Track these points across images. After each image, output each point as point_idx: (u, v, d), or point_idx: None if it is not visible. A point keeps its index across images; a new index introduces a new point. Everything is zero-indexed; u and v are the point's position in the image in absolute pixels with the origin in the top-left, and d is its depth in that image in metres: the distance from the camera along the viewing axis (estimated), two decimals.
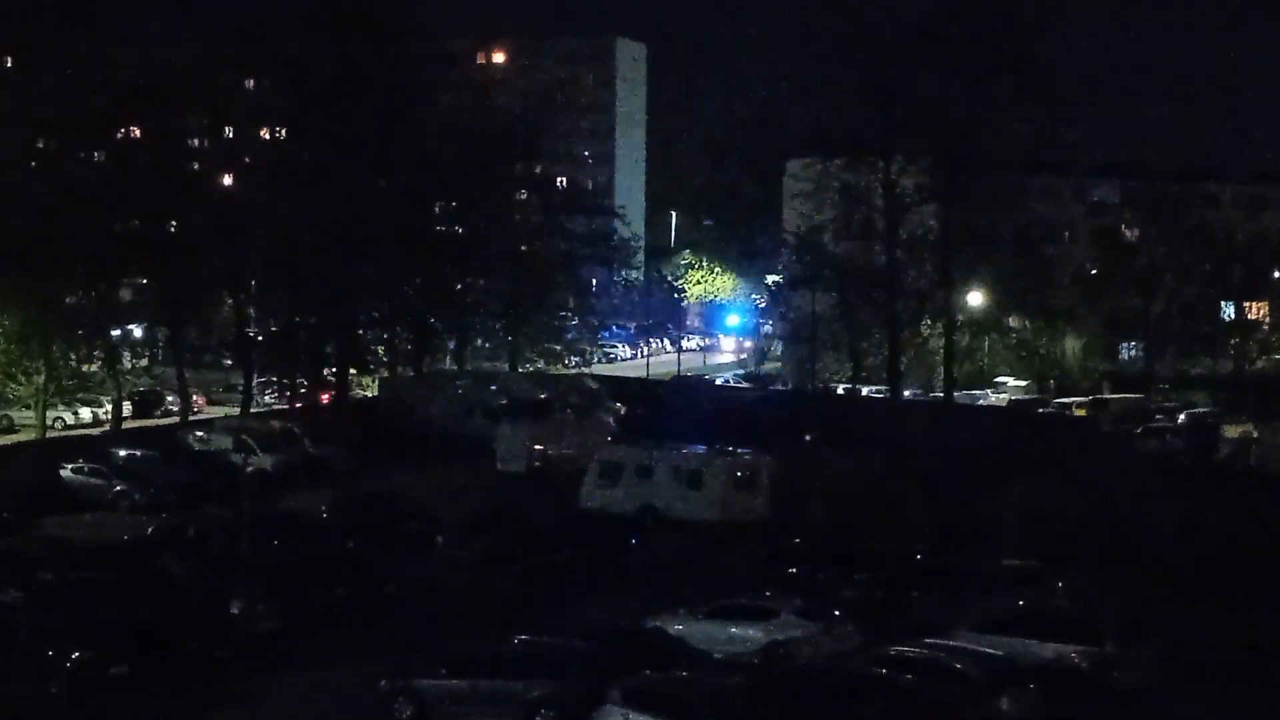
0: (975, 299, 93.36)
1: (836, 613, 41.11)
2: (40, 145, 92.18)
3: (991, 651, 35.83)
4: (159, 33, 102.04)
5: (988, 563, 47.30)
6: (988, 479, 60.06)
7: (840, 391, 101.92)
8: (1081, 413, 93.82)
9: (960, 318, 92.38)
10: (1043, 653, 36.87)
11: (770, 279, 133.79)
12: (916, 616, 42.13)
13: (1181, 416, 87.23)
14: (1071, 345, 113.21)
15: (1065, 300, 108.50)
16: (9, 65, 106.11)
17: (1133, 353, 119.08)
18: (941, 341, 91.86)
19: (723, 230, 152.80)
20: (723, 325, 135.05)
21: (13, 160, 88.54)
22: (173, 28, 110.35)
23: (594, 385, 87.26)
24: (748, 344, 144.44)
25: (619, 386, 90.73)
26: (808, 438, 71.31)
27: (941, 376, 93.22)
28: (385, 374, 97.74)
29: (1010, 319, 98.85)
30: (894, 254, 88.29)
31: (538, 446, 68.57)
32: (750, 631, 39.80)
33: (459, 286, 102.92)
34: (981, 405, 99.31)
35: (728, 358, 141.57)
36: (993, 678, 34.11)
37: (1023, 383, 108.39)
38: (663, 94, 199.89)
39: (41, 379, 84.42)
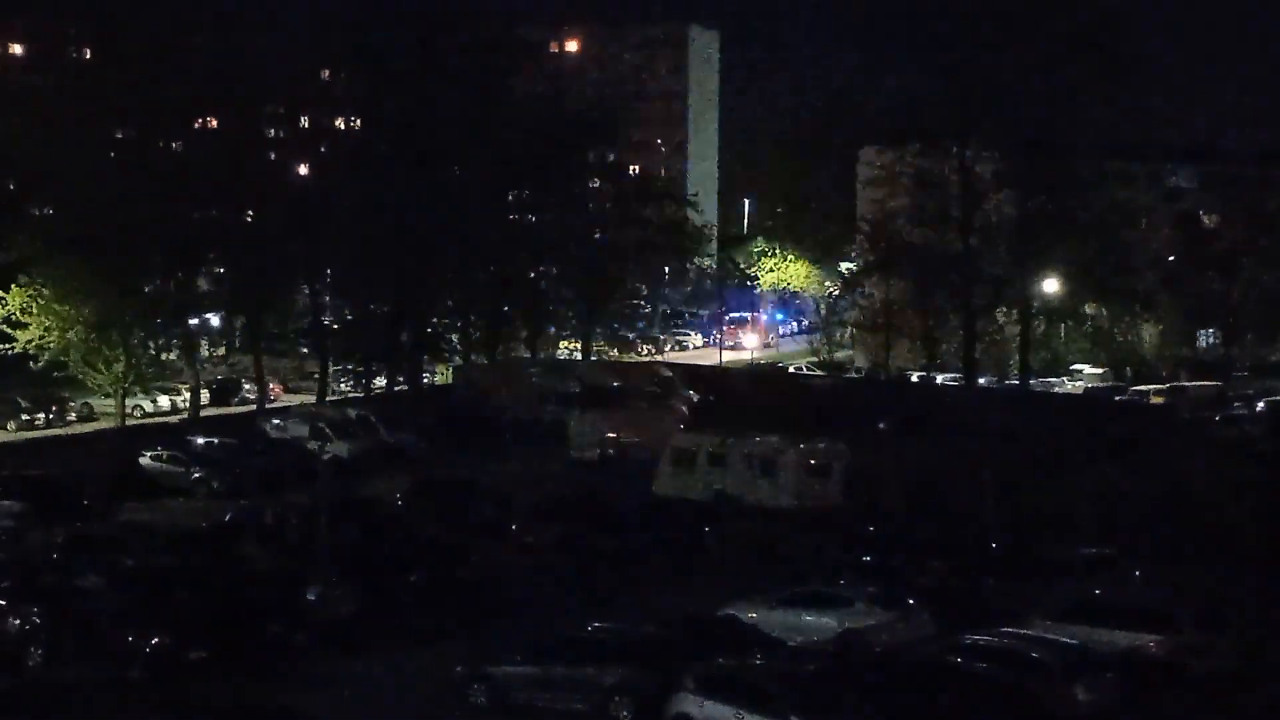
0: (1051, 285, 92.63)
1: (911, 601, 40.92)
2: (119, 135, 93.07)
3: (1067, 640, 35.64)
4: (236, 23, 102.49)
5: (1063, 551, 47.02)
6: (1063, 467, 59.68)
7: (914, 379, 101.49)
8: (1159, 400, 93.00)
9: (1036, 304, 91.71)
10: (1119, 641, 36.63)
11: (844, 266, 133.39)
12: (991, 605, 41.90)
13: (1260, 404, 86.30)
14: (1149, 332, 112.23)
15: (1143, 286, 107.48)
16: (89, 56, 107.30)
17: (1211, 339, 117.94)
18: (1017, 329, 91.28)
19: (796, 217, 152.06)
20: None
21: (93, 150, 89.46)
22: (250, 18, 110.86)
23: (667, 373, 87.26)
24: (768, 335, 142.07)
25: (692, 374, 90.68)
26: (882, 425, 71.12)
27: (1017, 364, 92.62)
28: (459, 362, 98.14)
29: (1087, 306, 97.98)
30: (969, 240, 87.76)
31: (611, 434, 68.70)
32: (824, 619, 39.70)
33: (533, 275, 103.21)
34: (1057, 393, 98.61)
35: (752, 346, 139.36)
36: (1069, 666, 33.95)
37: (1099, 370, 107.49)
38: (736, 81, 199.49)
39: (121, 367, 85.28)
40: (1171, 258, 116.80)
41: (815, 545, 50.24)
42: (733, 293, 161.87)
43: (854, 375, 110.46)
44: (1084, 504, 53.22)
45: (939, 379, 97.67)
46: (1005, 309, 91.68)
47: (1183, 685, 36.04)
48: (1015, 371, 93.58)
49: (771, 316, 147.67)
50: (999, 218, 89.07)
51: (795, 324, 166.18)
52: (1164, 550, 47.95)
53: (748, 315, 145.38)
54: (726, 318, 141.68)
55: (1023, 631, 36.58)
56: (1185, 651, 36.47)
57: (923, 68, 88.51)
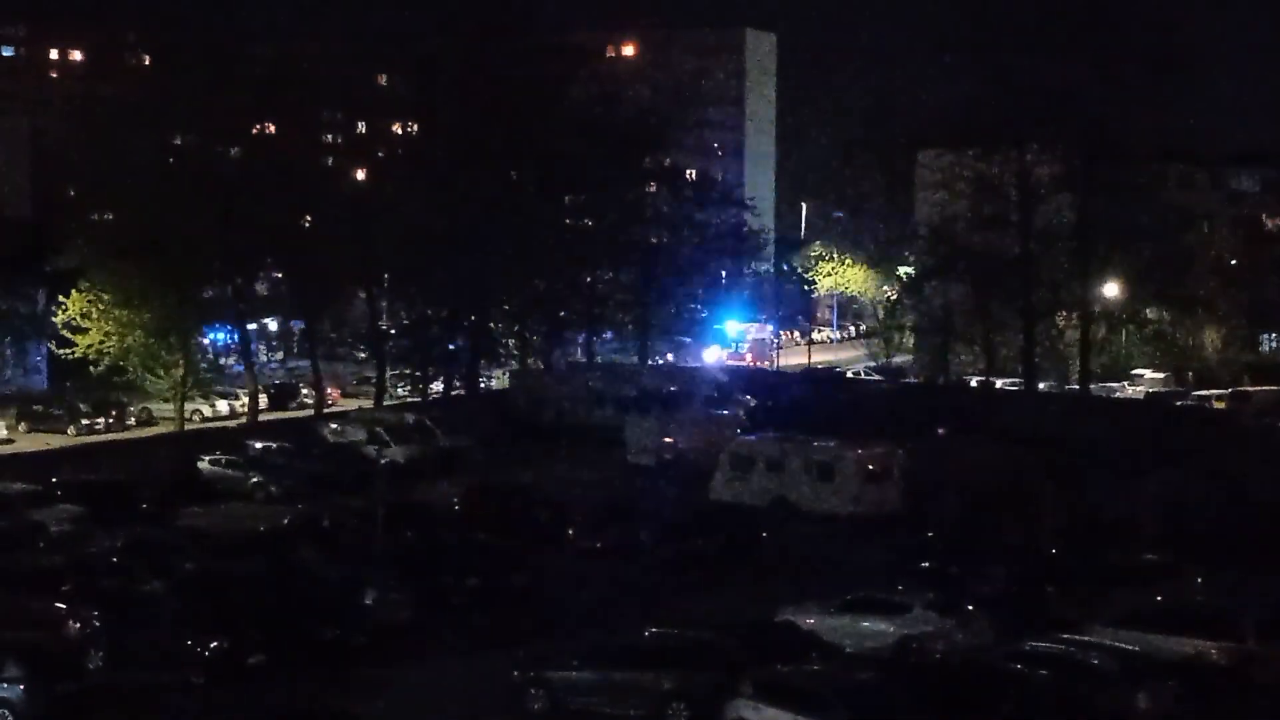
0: (1112, 290, 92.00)
1: (970, 607, 40.65)
2: (178, 141, 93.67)
3: (1128, 647, 35.35)
4: (293, 29, 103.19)
5: (1124, 557, 46.62)
6: (1124, 472, 59.21)
7: (973, 384, 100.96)
8: (1221, 405, 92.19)
9: (1096, 309, 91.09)
10: (1181, 648, 36.27)
11: (902, 270, 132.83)
12: (1051, 611, 41.57)
13: None
14: (1211, 336, 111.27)
15: (1204, 291, 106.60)
16: (148, 63, 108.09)
17: (1274, 343, 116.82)
18: (1077, 333, 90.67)
19: (854, 222, 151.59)
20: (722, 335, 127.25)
21: (152, 156, 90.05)
22: (306, 24, 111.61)
23: (724, 377, 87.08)
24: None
25: (749, 378, 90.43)
26: (941, 430, 70.74)
27: (1077, 369, 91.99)
28: (516, 366, 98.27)
29: (1148, 310, 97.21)
30: (1028, 245, 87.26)
31: (668, 439, 68.58)
32: (882, 625, 39.48)
33: (589, 279, 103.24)
34: (1118, 398, 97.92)
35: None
36: (1129, 673, 33.66)
37: (1161, 375, 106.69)
38: (793, 84, 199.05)
39: (180, 372, 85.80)
40: (1233, 261, 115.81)
41: (873, 551, 50.00)
42: (789, 297, 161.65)
43: (912, 380, 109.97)
44: (1145, 510, 52.76)
45: (998, 384, 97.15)
46: (1065, 313, 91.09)
47: (1244, 693, 35.66)
48: (1076, 376, 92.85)
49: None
50: (1058, 221, 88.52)
51: (853, 328, 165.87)
52: (1226, 557, 47.43)
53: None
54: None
55: (1083, 638, 36.28)
56: (1247, 659, 36.10)
57: (981, 70, 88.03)
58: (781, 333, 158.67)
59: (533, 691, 36.14)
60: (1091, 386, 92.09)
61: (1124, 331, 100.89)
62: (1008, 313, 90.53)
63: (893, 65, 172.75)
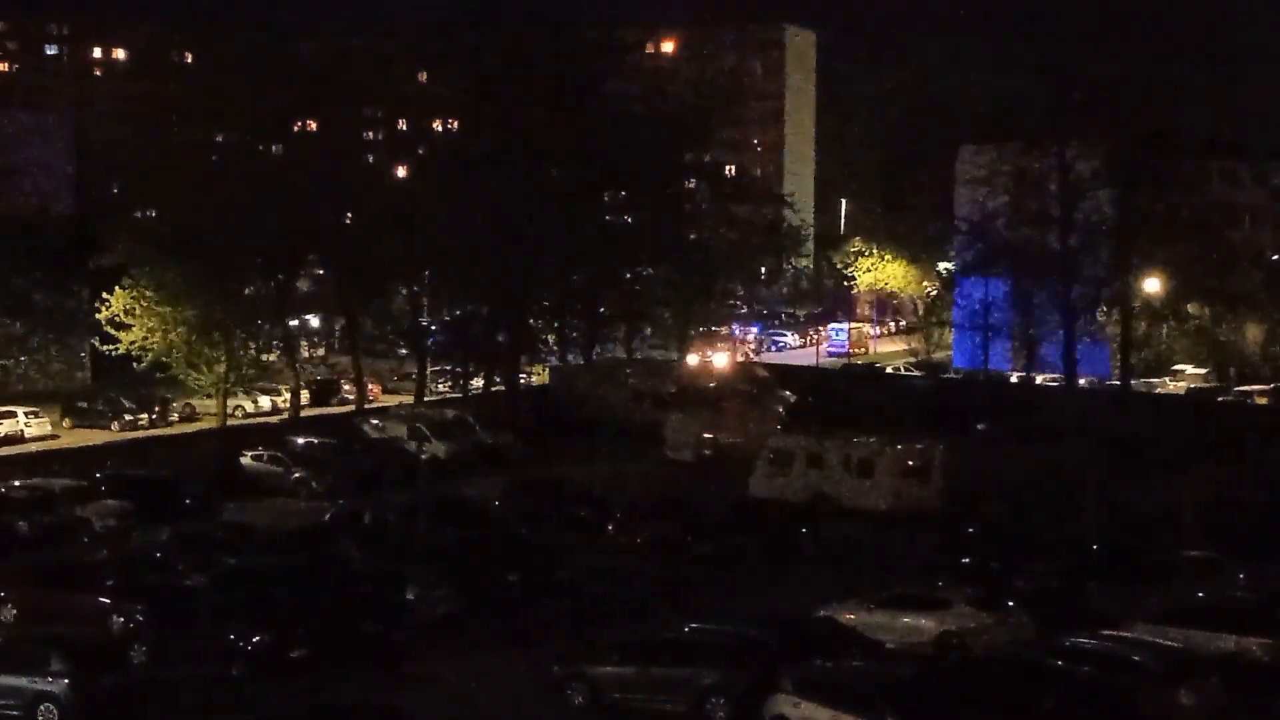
0: (1153, 285, 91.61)
1: (1010, 603, 40.61)
2: (220, 139, 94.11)
3: (1170, 643, 35.23)
4: (335, 27, 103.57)
5: (1166, 553, 46.47)
6: (1165, 468, 59.01)
7: (1014, 379, 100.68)
8: (1263, 401, 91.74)
9: (1138, 304, 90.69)
10: (1223, 645, 36.14)
11: (942, 266, 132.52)
12: (1093, 607, 41.48)
13: None
14: (1253, 332, 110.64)
15: (1247, 286, 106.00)
16: (190, 61, 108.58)
17: None
18: (1118, 328, 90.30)
19: (893, 217, 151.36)
20: None
21: (194, 154, 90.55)
22: (348, 22, 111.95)
23: (763, 374, 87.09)
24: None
25: (788, 375, 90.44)
26: (981, 426, 70.58)
27: (1118, 364, 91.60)
28: (556, 362, 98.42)
29: (1190, 305, 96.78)
30: (1070, 240, 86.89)
31: (707, 435, 68.64)
32: (923, 621, 39.48)
33: (628, 275, 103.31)
34: (1160, 393, 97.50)
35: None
36: (1172, 670, 33.54)
37: (1202, 370, 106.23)
38: (832, 80, 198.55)
39: (222, 368, 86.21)
40: (1276, 256, 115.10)
41: (913, 547, 49.97)
42: (829, 292, 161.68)
43: (952, 375, 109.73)
44: (1186, 506, 52.57)
45: (1039, 379, 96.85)
46: (1106, 309, 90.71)
47: None
48: (1117, 371, 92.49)
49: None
50: (1100, 217, 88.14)
51: (893, 324, 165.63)
52: (1268, 552, 47.21)
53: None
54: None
55: (1124, 634, 36.18)
56: None
57: (1022, 65, 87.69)
58: (819, 328, 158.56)
59: (573, 686, 36.26)
60: (1133, 382, 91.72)
61: (1165, 327, 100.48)
62: (1049, 308, 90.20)
63: (933, 61, 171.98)
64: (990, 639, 38.36)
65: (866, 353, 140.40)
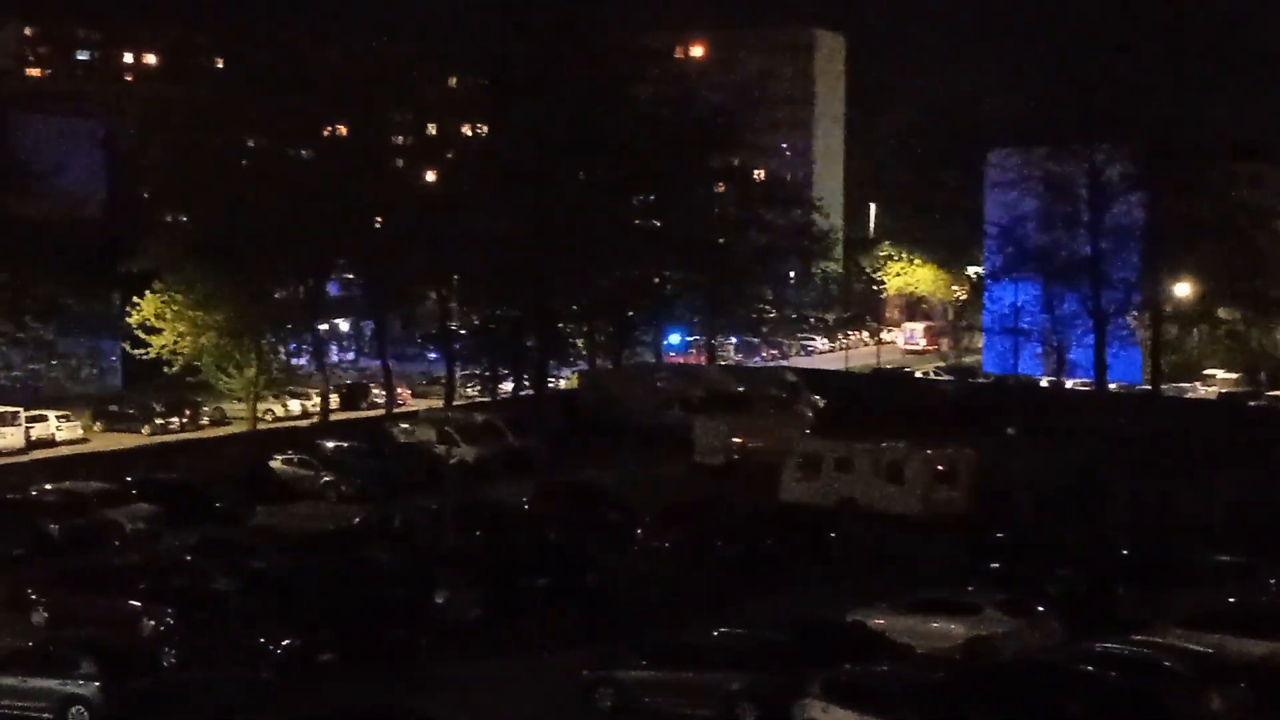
0: (1183, 289, 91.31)
1: (1040, 608, 40.48)
2: (250, 143, 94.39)
3: (1200, 648, 35.08)
4: (364, 31, 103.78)
5: (1196, 557, 46.29)
6: (1196, 472, 58.77)
7: (1044, 383, 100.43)
8: None
9: (1168, 308, 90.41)
10: (1254, 650, 35.95)
11: (972, 270, 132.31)
12: (1122, 612, 41.35)
13: None
14: None
15: (1277, 290, 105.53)
16: (220, 66, 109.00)
17: None
18: (1148, 333, 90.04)
19: (923, 222, 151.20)
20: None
21: (224, 158, 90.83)
22: (377, 26, 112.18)
23: (792, 378, 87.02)
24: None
25: (817, 379, 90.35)
26: (1010, 430, 70.42)
27: (1149, 368, 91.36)
28: (585, 366, 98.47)
29: (1220, 309, 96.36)
30: (1099, 244, 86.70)
31: (736, 439, 68.59)
32: (952, 626, 39.37)
33: (657, 279, 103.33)
34: (1190, 398, 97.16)
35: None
36: (1201, 675, 33.41)
37: (1233, 375, 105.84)
38: (862, 84, 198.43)
39: (252, 372, 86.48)
40: None
41: (942, 551, 49.85)
42: (858, 297, 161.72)
43: (982, 379, 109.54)
44: (1217, 510, 52.37)
45: (1068, 383, 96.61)
46: (1136, 313, 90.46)
47: None
48: (1147, 376, 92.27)
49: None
50: (1129, 221, 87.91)
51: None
52: None
53: None
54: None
55: (1154, 639, 36.05)
56: None
57: (1051, 69, 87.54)
58: (851, 333, 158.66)
59: (602, 690, 36.27)
60: (1163, 386, 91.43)
61: (1195, 331, 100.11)
62: (1078, 312, 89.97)
63: (962, 65, 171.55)
64: (1019, 644, 38.23)
65: (939, 350, 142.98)
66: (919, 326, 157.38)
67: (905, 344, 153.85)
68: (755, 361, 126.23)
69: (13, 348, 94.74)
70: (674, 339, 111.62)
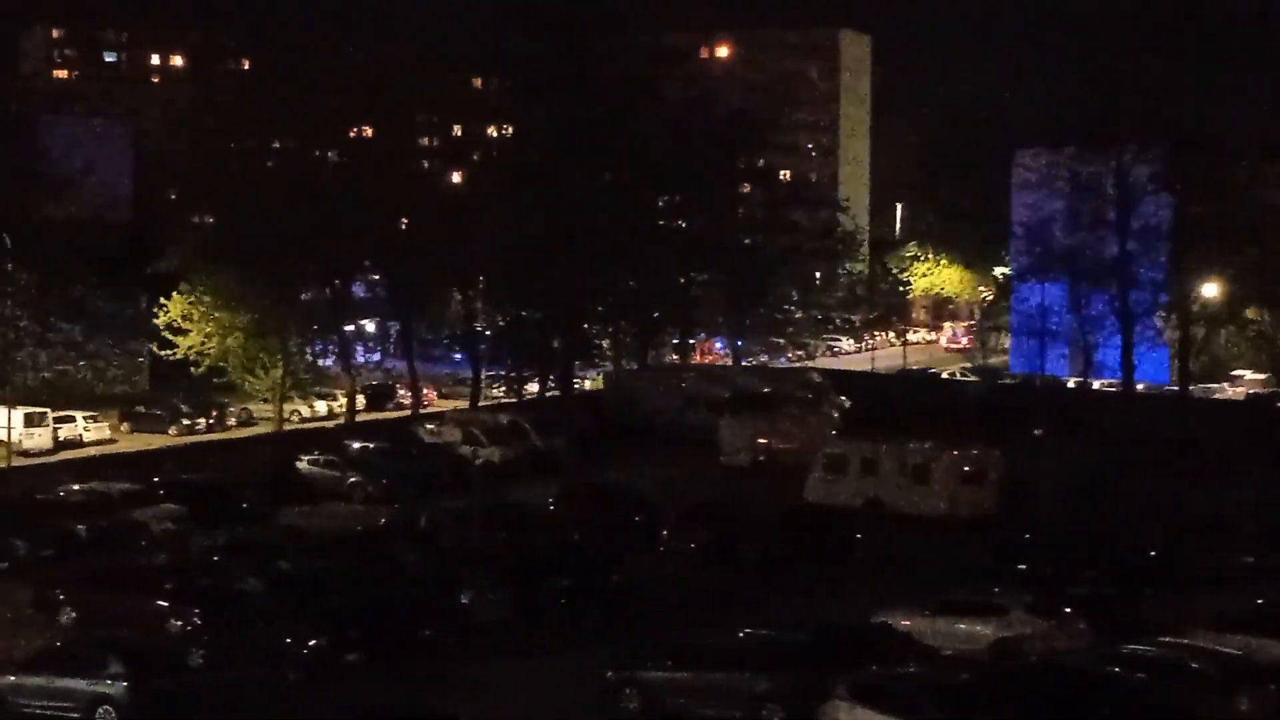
0: (1211, 290, 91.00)
1: (1067, 609, 40.33)
2: (276, 145, 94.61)
3: (1228, 650, 34.92)
4: (389, 33, 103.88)
5: (1223, 559, 46.10)
6: (1224, 474, 58.55)
7: (1071, 384, 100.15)
8: None
9: (1195, 309, 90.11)
10: None
11: (998, 271, 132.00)
12: (1150, 614, 41.20)
13: None
14: None
15: None
16: (246, 67, 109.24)
17: None
18: (1176, 333, 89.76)
19: (949, 222, 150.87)
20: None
21: (250, 160, 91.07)
22: (402, 28, 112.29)
23: (818, 379, 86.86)
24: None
25: (843, 380, 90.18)
26: (1037, 431, 70.20)
27: (1176, 369, 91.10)
28: (610, 367, 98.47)
29: (1248, 310, 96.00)
30: (1126, 244, 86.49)
31: (761, 440, 68.50)
32: (979, 628, 39.25)
33: (682, 280, 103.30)
34: (1218, 398, 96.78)
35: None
36: (1230, 677, 33.26)
37: (1261, 376, 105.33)
38: (887, 85, 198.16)
39: (278, 373, 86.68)
40: None
41: (969, 553, 49.73)
42: (884, 297, 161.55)
43: (1008, 380, 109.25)
44: (1245, 511, 52.16)
45: (1095, 384, 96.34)
46: (1164, 313, 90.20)
47: None
48: (1175, 376, 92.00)
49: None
50: (1156, 221, 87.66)
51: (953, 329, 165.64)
52: None
53: None
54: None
55: (1182, 641, 35.90)
56: None
57: (1078, 70, 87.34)
58: (877, 333, 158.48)
59: (627, 691, 36.22)
60: (1191, 387, 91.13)
61: (1223, 332, 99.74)
62: (1105, 313, 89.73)
63: (988, 65, 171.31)
64: (1047, 645, 38.11)
65: (980, 348, 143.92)
66: (961, 325, 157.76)
67: (947, 343, 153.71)
68: (781, 362, 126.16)
69: (41, 348, 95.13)
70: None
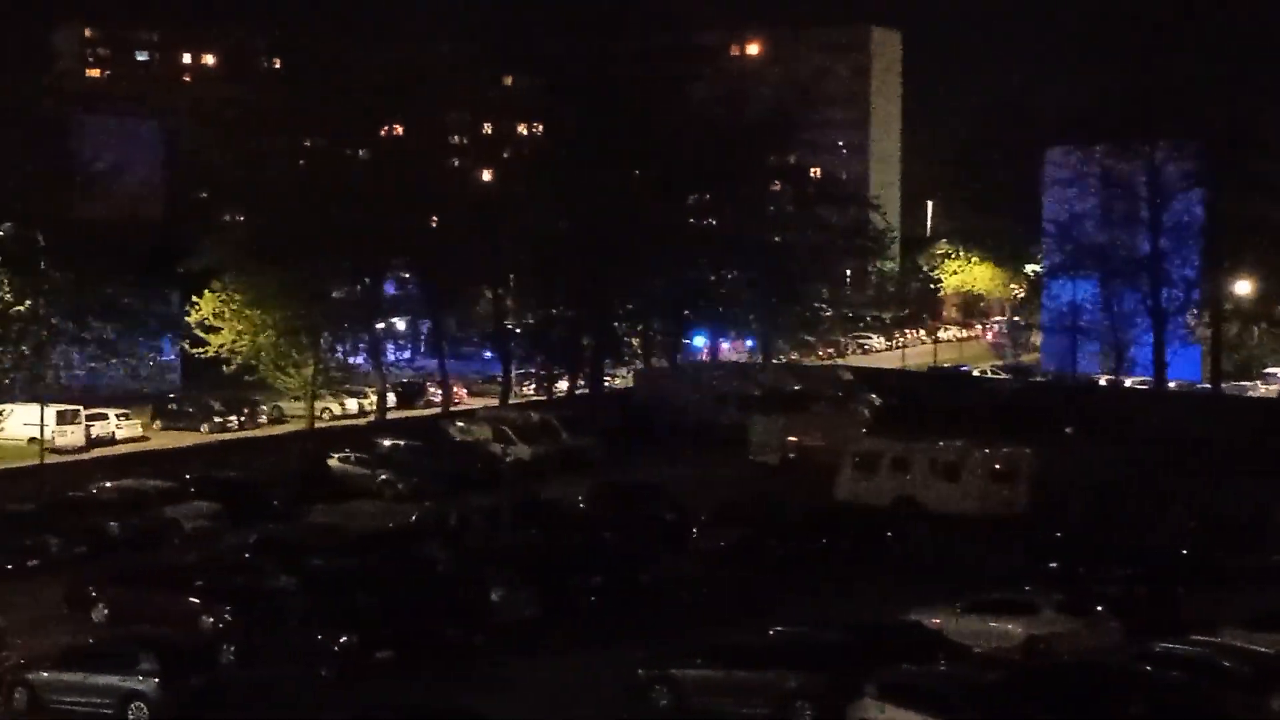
0: (1243, 287, 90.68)
1: (1099, 608, 40.24)
2: (308, 143, 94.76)
3: (1261, 649, 34.80)
4: (419, 32, 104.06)
5: (1256, 558, 45.92)
6: (1256, 472, 58.31)
7: (1102, 382, 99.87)
8: None
9: (1228, 307, 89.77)
10: None
11: (1030, 268, 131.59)
12: (1182, 612, 41.06)
13: None
14: None
15: None
16: (277, 66, 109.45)
17: None
18: (1208, 331, 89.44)
19: (980, 219, 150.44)
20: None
21: (282, 158, 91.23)
22: (432, 27, 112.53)
23: (848, 377, 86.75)
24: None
25: (873, 378, 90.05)
26: (1069, 430, 70.00)
27: (1209, 367, 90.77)
28: (640, 365, 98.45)
29: None
30: (1158, 242, 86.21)
31: (792, 438, 68.45)
32: (1010, 626, 39.19)
33: (712, 278, 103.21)
34: (1251, 397, 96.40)
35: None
36: (1261, 676, 33.15)
37: None
38: (918, 81, 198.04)
39: (310, 370, 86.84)
40: None
41: (1000, 551, 49.61)
42: (915, 295, 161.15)
43: (1040, 379, 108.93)
44: (1277, 510, 51.93)
45: (1127, 382, 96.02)
46: (1196, 311, 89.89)
47: None
48: (1207, 375, 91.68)
49: None
50: (1189, 218, 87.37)
51: (980, 326, 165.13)
52: None
53: None
54: None
55: (1214, 640, 35.79)
56: None
57: (1110, 67, 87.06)
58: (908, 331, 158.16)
59: (657, 689, 36.25)
60: (1224, 385, 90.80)
61: (1257, 329, 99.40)
62: (1137, 311, 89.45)
63: (1020, 61, 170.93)
64: (1078, 644, 38.02)
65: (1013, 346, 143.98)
66: (1005, 320, 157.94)
67: (993, 340, 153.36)
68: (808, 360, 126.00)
69: (74, 347, 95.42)
70: (699, 341, 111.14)
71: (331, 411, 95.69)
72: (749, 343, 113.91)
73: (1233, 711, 32.19)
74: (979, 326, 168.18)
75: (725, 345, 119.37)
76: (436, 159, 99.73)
